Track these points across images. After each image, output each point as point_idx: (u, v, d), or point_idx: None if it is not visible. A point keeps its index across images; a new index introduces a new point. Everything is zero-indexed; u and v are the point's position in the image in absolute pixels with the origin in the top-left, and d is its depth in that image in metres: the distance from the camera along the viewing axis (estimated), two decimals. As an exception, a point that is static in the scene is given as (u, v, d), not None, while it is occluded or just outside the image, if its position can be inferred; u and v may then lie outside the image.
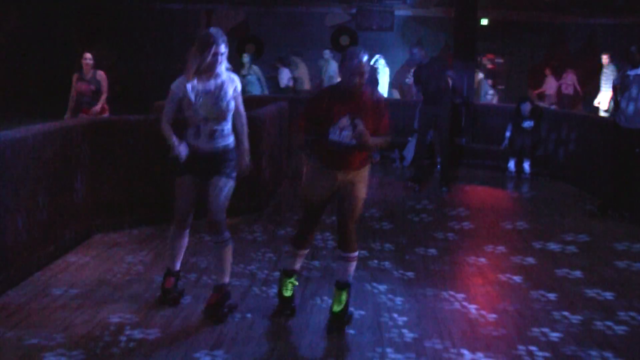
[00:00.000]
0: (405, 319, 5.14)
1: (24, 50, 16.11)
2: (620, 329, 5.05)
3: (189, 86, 4.97)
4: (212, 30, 4.97)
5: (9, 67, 16.02)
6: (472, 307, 5.41)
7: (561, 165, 11.35)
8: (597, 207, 8.91)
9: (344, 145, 4.78)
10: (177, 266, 5.41)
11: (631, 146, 8.29)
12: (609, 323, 5.15)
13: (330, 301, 5.29)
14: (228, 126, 5.09)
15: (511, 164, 11.78)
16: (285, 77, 16.75)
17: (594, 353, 4.63)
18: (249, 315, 5.12)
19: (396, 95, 18.54)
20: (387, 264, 6.48)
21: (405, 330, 4.92)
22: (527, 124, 11.81)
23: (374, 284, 5.87)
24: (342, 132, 4.76)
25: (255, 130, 8.10)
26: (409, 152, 12.40)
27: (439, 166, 11.16)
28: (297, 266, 5.27)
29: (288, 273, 5.24)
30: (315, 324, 5.00)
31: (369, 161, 5.03)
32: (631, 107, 8.27)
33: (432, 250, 6.98)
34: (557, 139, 11.56)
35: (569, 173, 11.01)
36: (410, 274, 6.22)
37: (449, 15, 16.07)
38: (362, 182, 4.96)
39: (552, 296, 5.70)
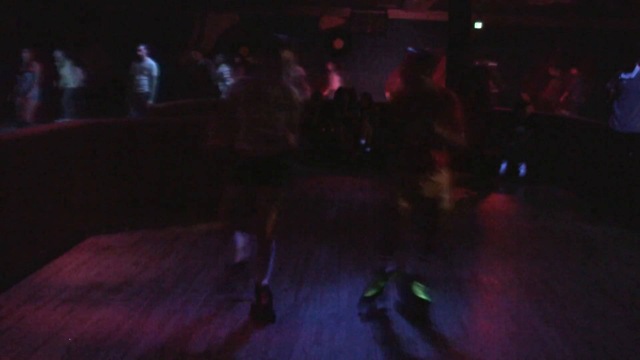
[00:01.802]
0: (397, 322, 5.14)
1: (18, 52, 16.05)
2: (614, 333, 5.06)
3: (244, 87, 5.01)
4: (280, 35, 5.00)
5: (3, 69, 15.97)
6: (465, 310, 5.41)
7: (555, 169, 11.37)
8: (591, 211, 8.93)
9: (418, 148, 4.96)
10: (263, 279, 5.30)
11: (624, 150, 8.32)
12: (603, 327, 5.16)
13: (326, 305, 5.32)
14: (279, 132, 5.02)
15: (503, 167, 11.83)
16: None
17: (588, 356, 4.64)
18: (242, 317, 5.11)
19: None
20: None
21: (399, 334, 4.93)
22: (519, 129, 11.83)
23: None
24: (418, 135, 4.93)
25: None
26: None
27: None
28: (391, 269, 5.44)
29: (383, 275, 5.42)
30: (308, 328, 5.00)
31: (446, 163, 5.13)
32: (623, 112, 8.29)
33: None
34: (551, 143, 11.58)
35: (562, 177, 11.03)
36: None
37: (443, 18, 16.09)
38: (444, 185, 5.08)
39: (545, 299, 5.70)
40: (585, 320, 5.28)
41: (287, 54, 4.97)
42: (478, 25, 17.79)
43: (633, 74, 8.33)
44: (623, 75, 8.43)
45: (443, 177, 5.09)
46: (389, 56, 18.63)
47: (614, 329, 5.14)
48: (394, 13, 18.83)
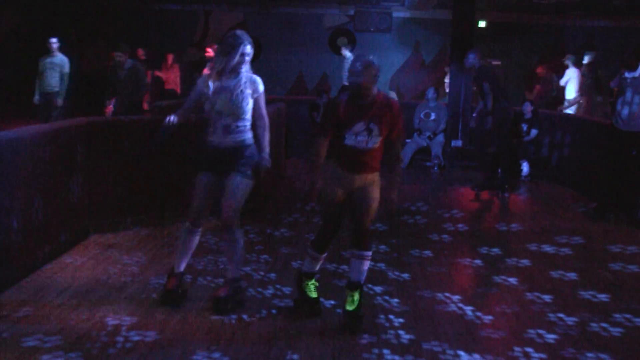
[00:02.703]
0: (401, 320, 5.15)
1: (21, 50, 16.06)
2: (615, 331, 5.06)
3: (210, 82, 5.14)
4: (239, 32, 5.16)
5: (6, 67, 15.97)
6: (468, 309, 5.41)
7: (557, 168, 11.37)
8: (593, 209, 8.93)
9: (360, 150, 4.93)
10: (182, 267, 5.42)
11: (627, 149, 8.31)
12: (604, 325, 5.16)
13: (330, 302, 5.34)
14: (244, 123, 5.18)
15: (525, 169, 11.81)
16: None
17: (590, 355, 4.64)
18: (245, 316, 5.12)
19: (393, 96, 18.54)
20: (382, 265, 6.49)
21: (402, 332, 4.93)
22: (522, 127, 11.85)
23: (370, 286, 5.86)
24: (358, 137, 4.91)
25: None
26: (406, 154, 12.41)
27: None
28: (317, 268, 5.35)
29: (308, 275, 5.30)
30: (312, 325, 5.01)
31: (381, 165, 5.12)
32: (626, 110, 8.29)
33: (428, 252, 6.99)
34: (554, 142, 11.58)
35: (565, 175, 11.02)
36: (405, 275, 6.23)
37: (447, 17, 16.07)
38: (376, 183, 5.09)
39: (547, 298, 5.71)
40: (587, 318, 5.28)
41: (249, 49, 5.10)
42: (482, 23, 17.77)
43: (637, 73, 8.31)
44: (627, 74, 8.42)
45: (377, 174, 5.09)
46: (393, 55, 18.62)
47: (615, 326, 5.14)
48: (398, 11, 18.82)
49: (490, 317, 5.27)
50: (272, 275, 6.10)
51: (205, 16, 19.02)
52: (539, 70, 16.54)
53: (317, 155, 5.02)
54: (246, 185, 5.17)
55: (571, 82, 13.50)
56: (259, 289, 5.73)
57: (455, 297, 5.67)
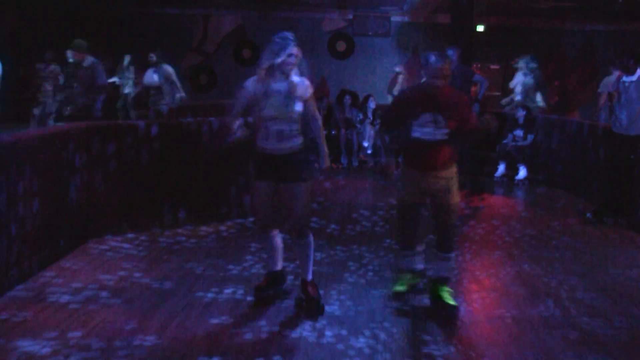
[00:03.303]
0: (400, 323, 5.14)
1: (20, 54, 16.09)
2: (616, 335, 5.06)
3: (259, 85, 5.07)
4: (287, 33, 5.11)
5: (6, 71, 15.99)
6: (467, 313, 5.41)
7: (556, 172, 11.37)
8: (592, 213, 8.92)
9: (427, 142, 5.05)
10: (279, 266, 5.51)
11: (626, 152, 8.31)
12: (604, 329, 5.15)
13: (330, 307, 5.34)
14: (297, 127, 5.12)
15: (501, 167, 11.88)
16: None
17: (589, 358, 4.64)
18: (244, 319, 5.11)
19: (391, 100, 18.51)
20: (380, 268, 6.48)
21: (400, 335, 4.93)
22: (517, 132, 11.90)
23: (369, 288, 5.86)
24: (424, 128, 5.05)
25: (249, 134, 8.14)
26: None
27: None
28: (421, 265, 5.54)
29: (407, 270, 5.50)
30: (309, 329, 5.00)
31: (455, 160, 5.23)
32: (625, 114, 8.29)
33: (426, 256, 6.98)
34: (551, 145, 11.58)
35: (563, 179, 11.03)
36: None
37: (445, 21, 16.09)
38: (454, 182, 5.19)
39: (547, 302, 5.70)
40: (587, 322, 5.27)
41: (294, 50, 5.04)
42: (480, 28, 17.79)
43: (635, 77, 8.31)
44: (625, 78, 8.42)
45: (451, 172, 5.18)
46: (391, 59, 18.63)
47: (614, 330, 5.14)
48: (396, 16, 18.84)
49: (489, 321, 5.26)
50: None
51: (204, 20, 19.04)
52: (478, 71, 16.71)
53: (389, 141, 5.29)
54: (308, 188, 5.16)
55: (519, 84, 13.50)
56: (258, 292, 5.71)
57: (456, 300, 5.66)
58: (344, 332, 4.94)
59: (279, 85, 5.05)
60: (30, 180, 5.81)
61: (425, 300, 5.57)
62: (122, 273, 6.13)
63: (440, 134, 5.07)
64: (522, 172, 11.71)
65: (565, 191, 10.73)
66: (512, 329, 5.14)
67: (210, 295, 5.63)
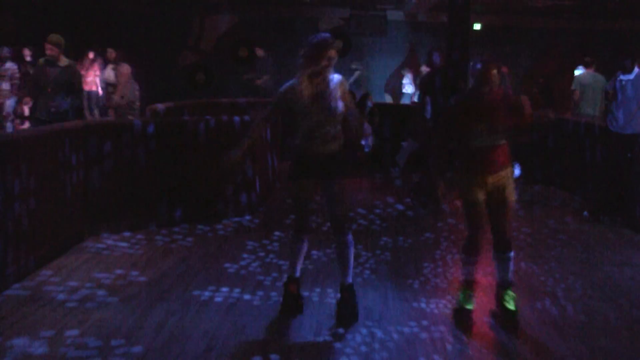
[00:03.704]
0: (396, 320, 5.15)
1: (18, 53, 16.06)
2: (613, 334, 5.06)
3: (300, 90, 4.99)
4: (325, 34, 5.07)
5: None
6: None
7: (552, 170, 11.37)
8: (589, 211, 8.93)
9: (486, 148, 5.02)
10: (298, 272, 5.39)
11: (622, 151, 8.32)
12: (600, 327, 5.16)
13: (325, 303, 5.34)
14: (339, 128, 5.09)
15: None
16: None
17: (586, 356, 4.65)
18: (240, 318, 5.12)
19: (388, 99, 18.55)
20: (377, 266, 6.49)
21: (391, 329, 4.95)
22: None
23: (366, 287, 5.87)
24: (481, 135, 5.01)
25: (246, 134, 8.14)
26: (402, 158, 12.38)
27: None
28: (475, 276, 5.34)
29: (468, 284, 5.30)
30: (307, 326, 5.01)
31: (511, 162, 5.20)
32: (622, 113, 8.31)
33: (423, 254, 6.99)
34: (547, 144, 11.58)
35: (559, 177, 11.03)
36: (400, 277, 6.22)
37: (442, 20, 16.10)
38: (510, 180, 5.16)
39: (544, 300, 5.71)
40: (584, 321, 5.29)
41: (332, 53, 5.02)
42: (477, 26, 17.81)
43: (632, 75, 8.33)
44: (622, 77, 8.43)
45: (509, 171, 5.18)
46: (388, 57, 18.64)
47: (612, 328, 5.15)
48: (393, 14, 18.85)
49: (485, 319, 5.27)
50: (268, 278, 6.09)
51: (201, 20, 19.02)
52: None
53: (438, 163, 5.21)
54: (348, 186, 5.14)
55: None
56: (255, 292, 5.72)
57: (448, 297, 5.66)
58: (340, 330, 4.95)
59: (321, 89, 4.99)
60: (26, 179, 5.80)
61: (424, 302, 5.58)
62: (118, 272, 6.13)
63: (496, 139, 5.03)
64: (517, 171, 11.70)
65: (561, 190, 10.73)
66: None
67: (207, 293, 5.63)
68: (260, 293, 5.69)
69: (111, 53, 12.38)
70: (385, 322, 5.13)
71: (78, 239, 6.91)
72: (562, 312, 5.47)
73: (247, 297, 5.60)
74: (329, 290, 5.75)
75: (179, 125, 7.90)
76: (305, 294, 5.60)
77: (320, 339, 4.81)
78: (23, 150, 5.78)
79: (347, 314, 5.13)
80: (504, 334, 5.00)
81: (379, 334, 4.91)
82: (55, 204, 6.41)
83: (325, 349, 4.66)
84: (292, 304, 5.29)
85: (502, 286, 5.24)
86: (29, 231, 5.88)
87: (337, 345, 4.72)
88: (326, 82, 5.00)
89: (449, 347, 4.75)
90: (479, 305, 5.55)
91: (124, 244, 6.98)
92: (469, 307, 5.23)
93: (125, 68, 12.41)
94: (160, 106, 10.71)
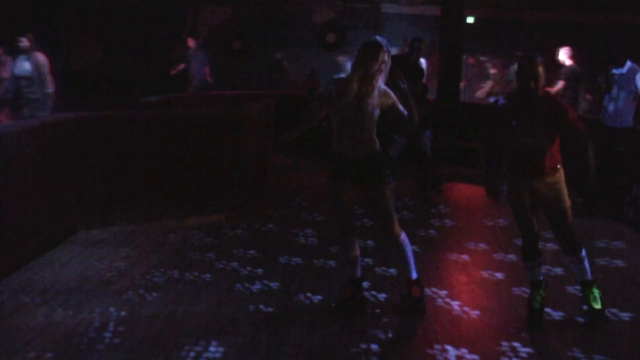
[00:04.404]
0: (388, 315, 5.17)
1: (8, 45, 15.99)
2: (605, 327, 5.07)
3: (337, 87, 4.98)
4: (379, 37, 5.04)
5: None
6: (456, 304, 5.44)
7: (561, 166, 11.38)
8: (581, 205, 8.95)
9: (528, 152, 4.90)
10: (358, 273, 5.35)
11: (614, 145, 8.35)
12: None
13: (317, 297, 5.36)
14: (370, 134, 4.97)
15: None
16: None
17: (576, 349, 4.67)
18: (232, 311, 5.13)
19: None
20: (369, 260, 6.50)
21: (389, 327, 4.95)
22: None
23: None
24: (524, 138, 4.87)
25: (240, 127, 8.15)
26: (395, 150, 12.38)
27: None
28: (541, 276, 5.28)
29: (535, 284, 5.25)
30: (300, 320, 5.02)
31: (559, 164, 5.08)
32: (613, 106, 8.33)
33: (414, 247, 6.98)
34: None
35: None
36: (392, 270, 6.23)
37: (435, 13, 16.09)
38: (561, 184, 5.05)
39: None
40: (575, 314, 5.31)
41: (383, 55, 4.97)
42: (470, 19, 17.80)
43: (624, 69, 8.34)
44: (614, 70, 8.45)
45: (559, 176, 5.06)
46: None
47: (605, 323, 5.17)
48: (387, 7, 18.82)
49: (477, 312, 5.29)
50: (259, 270, 6.11)
51: (194, 11, 18.96)
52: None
53: (486, 162, 5.08)
54: (391, 190, 5.07)
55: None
56: (247, 284, 5.73)
57: (443, 292, 5.69)
58: (335, 326, 4.96)
59: (364, 91, 4.92)
60: (19, 172, 5.80)
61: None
62: (112, 264, 6.14)
63: (540, 142, 4.89)
64: None
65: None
66: (500, 319, 5.17)
67: (199, 286, 5.64)
68: (251, 285, 5.70)
69: (22, 42, 11.07)
70: (379, 317, 5.14)
71: (70, 232, 6.90)
72: (556, 306, 5.45)
73: (238, 288, 5.61)
74: (324, 287, 5.76)
75: (173, 118, 7.90)
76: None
77: (314, 331, 4.83)
78: (16, 142, 5.76)
79: (414, 308, 5.21)
80: (496, 329, 5.01)
81: (371, 331, 4.92)
82: (48, 196, 6.40)
83: (319, 344, 4.67)
84: (344, 309, 5.23)
85: (586, 285, 5.15)
86: (21, 224, 5.87)
87: (330, 337, 4.73)
88: (373, 86, 4.93)
89: (442, 343, 4.76)
90: (472, 299, 5.57)
91: (116, 237, 6.97)
92: (537, 307, 5.16)
93: (43, 57, 11.28)
94: (151, 99, 10.70)
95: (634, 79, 8.24)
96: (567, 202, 5.08)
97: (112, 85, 16.85)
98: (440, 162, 12.09)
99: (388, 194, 5.05)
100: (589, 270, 5.18)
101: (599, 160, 8.61)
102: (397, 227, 5.13)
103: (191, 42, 15.45)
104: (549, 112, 4.88)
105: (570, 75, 11.53)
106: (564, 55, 11.77)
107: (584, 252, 5.13)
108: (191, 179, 7.82)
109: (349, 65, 16.68)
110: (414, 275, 5.27)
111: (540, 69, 4.79)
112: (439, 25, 13.66)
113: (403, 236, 5.18)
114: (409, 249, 5.22)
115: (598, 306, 5.11)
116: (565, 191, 5.08)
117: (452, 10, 12.91)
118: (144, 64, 16.45)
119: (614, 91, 8.37)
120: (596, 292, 5.14)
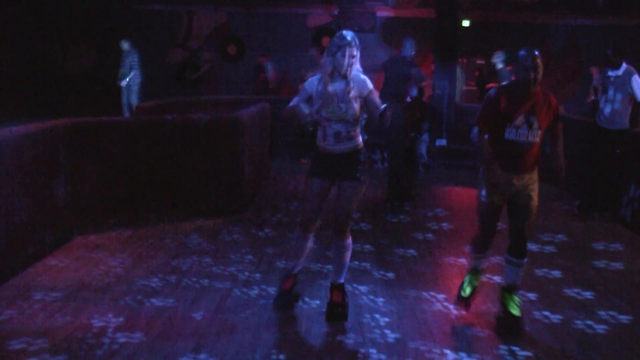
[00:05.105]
0: (387, 319, 5.16)
1: (3, 50, 15.98)
2: (600, 328, 5.09)
3: (319, 86, 5.01)
4: (346, 32, 5.03)
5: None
6: (454, 308, 5.43)
7: (541, 167, 11.38)
8: (577, 207, 8.97)
9: (520, 145, 4.94)
10: (297, 269, 5.35)
11: (610, 146, 8.36)
12: (589, 322, 5.19)
13: (315, 302, 5.35)
14: (354, 129, 5.02)
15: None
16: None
17: (575, 352, 4.67)
18: (230, 316, 5.12)
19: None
20: (367, 264, 6.50)
21: (387, 331, 4.94)
22: None
23: (355, 285, 5.87)
24: (519, 130, 4.92)
25: (235, 131, 8.14)
26: (423, 149, 12.37)
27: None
28: (485, 265, 5.37)
29: (475, 272, 5.34)
30: (297, 326, 5.01)
31: (539, 163, 5.14)
32: (608, 108, 8.35)
33: (412, 251, 7.01)
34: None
35: (548, 173, 11.04)
36: (390, 274, 6.23)
37: (430, 16, 16.11)
38: (535, 184, 5.10)
39: (532, 296, 5.73)
40: (573, 316, 5.31)
41: (355, 50, 4.98)
42: (466, 22, 17.83)
43: (620, 71, 8.36)
44: (610, 72, 8.46)
45: (535, 174, 5.12)
46: (377, 54, 18.62)
47: (601, 325, 5.17)
48: (382, 10, 18.84)
49: (475, 316, 5.28)
50: (257, 275, 6.10)
51: (189, 16, 18.96)
52: None
53: (486, 153, 5.03)
54: (360, 191, 5.08)
55: None
56: (244, 289, 5.72)
57: (441, 296, 5.69)
58: (333, 331, 4.95)
59: (336, 87, 4.96)
60: (14, 178, 5.78)
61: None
62: (109, 269, 6.12)
63: (534, 136, 4.95)
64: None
65: (550, 185, 10.75)
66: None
67: (197, 291, 5.62)
68: (249, 290, 5.69)
69: None
70: (377, 321, 5.13)
71: (67, 237, 6.88)
72: (551, 307, 5.48)
73: (236, 293, 5.60)
74: (318, 287, 5.76)
75: (168, 123, 7.88)
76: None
77: (309, 336, 4.83)
78: (11, 147, 5.74)
79: (336, 313, 5.12)
80: (493, 331, 5.01)
81: (369, 335, 4.92)
82: (44, 202, 6.38)
83: (314, 345, 4.66)
84: (284, 302, 5.27)
85: (509, 290, 5.13)
86: (17, 230, 5.85)
87: (327, 341, 4.72)
88: (346, 80, 4.95)
89: (439, 344, 4.76)
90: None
91: (113, 243, 6.95)
92: (465, 294, 5.26)
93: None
94: (147, 104, 10.70)
95: (629, 81, 8.26)
96: (536, 201, 5.12)
97: (106, 90, 16.80)
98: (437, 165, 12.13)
99: (357, 193, 5.07)
100: (520, 278, 5.17)
101: (593, 162, 8.69)
102: (349, 229, 5.16)
103: (125, 45, 15.04)
104: (545, 105, 4.95)
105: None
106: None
107: (527, 259, 5.15)
108: (188, 184, 7.80)
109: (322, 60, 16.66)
110: (342, 280, 5.24)
111: (540, 61, 4.85)
112: (434, 28, 13.69)
113: (350, 240, 5.19)
114: (349, 254, 5.21)
115: (517, 313, 5.05)
116: (537, 191, 5.13)
117: (446, 13, 12.96)
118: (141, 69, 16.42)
119: (610, 93, 8.38)
120: (517, 299, 5.10)
